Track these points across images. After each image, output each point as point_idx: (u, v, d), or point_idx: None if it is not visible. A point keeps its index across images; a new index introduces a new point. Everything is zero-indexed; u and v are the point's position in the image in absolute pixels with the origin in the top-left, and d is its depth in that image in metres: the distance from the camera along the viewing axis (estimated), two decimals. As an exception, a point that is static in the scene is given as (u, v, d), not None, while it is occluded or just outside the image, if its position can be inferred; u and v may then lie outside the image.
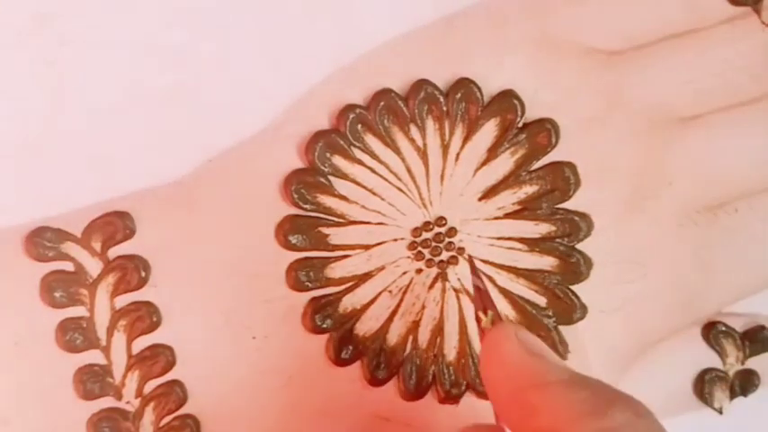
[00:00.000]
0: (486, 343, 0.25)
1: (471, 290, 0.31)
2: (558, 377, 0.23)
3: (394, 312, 0.31)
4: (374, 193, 0.31)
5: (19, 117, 0.28)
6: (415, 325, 0.31)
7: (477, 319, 0.26)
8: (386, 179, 0.31)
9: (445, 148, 0.31)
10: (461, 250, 0.31)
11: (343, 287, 0.31)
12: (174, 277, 0.30)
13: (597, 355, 0.33)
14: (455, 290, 0.32)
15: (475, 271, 0.28)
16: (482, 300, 0.27)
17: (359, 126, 0.30)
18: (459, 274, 0.32)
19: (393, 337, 0.31)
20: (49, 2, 0.28)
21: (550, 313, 0.32)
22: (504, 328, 0.24)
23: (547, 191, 0.32)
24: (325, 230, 0.31)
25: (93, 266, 0.29)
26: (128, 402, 0.30)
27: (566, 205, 0.32)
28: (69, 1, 0.28)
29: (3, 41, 0.28)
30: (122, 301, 0.30)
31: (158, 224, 0.30)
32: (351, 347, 0.31)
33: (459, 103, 0.31)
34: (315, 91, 0.30)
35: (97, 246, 0.29)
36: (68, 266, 0.29)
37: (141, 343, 0.30)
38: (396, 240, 0.31)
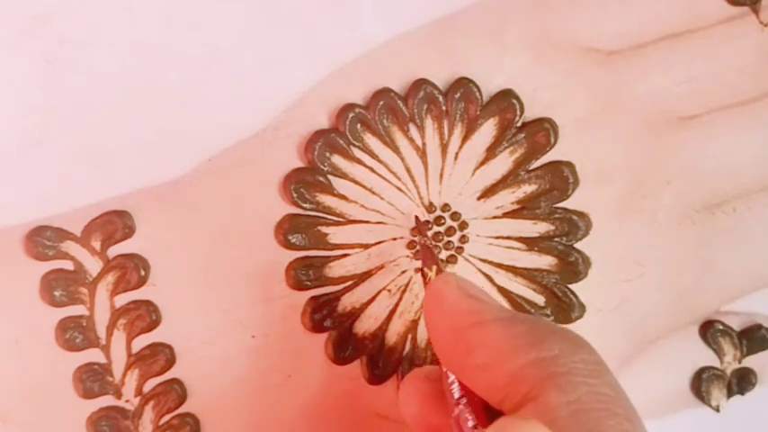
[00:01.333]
0: (428, 290, 0.25)
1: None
2: (496, 315, 0.23)
3: (393, 311, 0.31)
4: (373, 193, 0.31)
5: (19, 116, 0.28)
6: (414, 324, 0.32)
7: (423, 275, 0.27)
8: (385, 178, 0.31)
9: (444, 147, 0.31)
10: (460, 249, 0.32)
11: (342, 286, 0.31)
12: (174, 276, 0.30)
13: (595, 353, 0.33)
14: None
15: (421, 229, 0.30)
16: (428, 257, 0.28)
17: (358, 125, 0.30)
18: (459, 273, 0.32)
19: (392, 336, 0.31)
20: (49, 2, 0.28)
21: (549, 312, 0.32)
22: (444, 276, 0.25)
23: (545, 190, 0.32)
24: (325, 229, 0.31)
25: (93, 265, 0.29)
26: (127, 401, 0.30)
27: (564, 204, 0.32)
28: (69, 1, 0.28)
29: (3, 41, 0.28)
30: (122, 299, 0.30)
31: (158, 223, 0.30)
32: (350, 346, 0.31)
33: (458, 102, 0.31)
34: (314, 90, 0.30)
35: (97, 245, 0.29)
36: (68, 265, 0.29)
37: (141, 342, 0.30)
38: (395, 239, 0.31)
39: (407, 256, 0.31)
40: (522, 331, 0.22)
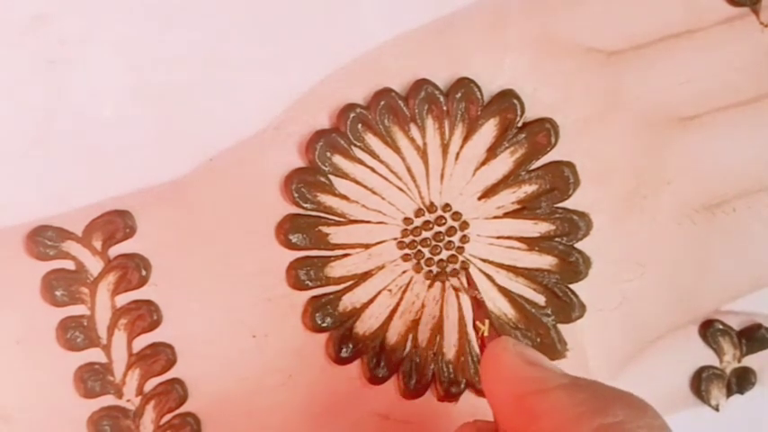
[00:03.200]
0: (486, 356, 0.25)
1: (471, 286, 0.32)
2: (558, 382, 0.23)
3: (394, 311, 0.31)
4: (374, 193, 0.31)
5: (19, 117, 0.28)
6: (415, 323, 0.32)
7: (476, 329, 0.27)
8: (386, 178, 0.31)
9: (445, 147, 0.31)
10: (461, 249, 0.32)
11: (343, 286, 0.31)
12: (175, 276, 0.30)
13: (596, 353, 0.33)
14: (454, 288, 0.32)
15: (472, 283, 0.30)
16: (479, 310, 0.28)
17: (359, 125, 0.30)
18: (459, 272, 0.32)
19: (393, 336, 0.31)
20: (49, 2, 0.28)
21: (549, 312, 0.32)
22: (501, 342, 0.25)
23: (546, 190, 0.32)
24: (326, 229, 0.31)
25: (94, 265, 0.29)
26: (128, 400, 0.30)
27: (565, 204, 0.32)
28: (69, 1, 0.28)
29: (3, 41, 0.28)
30: (123, 299, 0.30)
31: (159, 223, 0.30)
32: (351, 346, 0.31)
33: (459, 102, 0.31)
34: (315, 90, 0.30)
35: (98, 244, 0.29)
36: (69, 265, 0.29)
37: (142, 341, 0.30)
38: (395, 239, 0.31)
39: (402, 257, 0.31)
40: (585, 398, 0.22)
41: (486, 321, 0.27)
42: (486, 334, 0.27)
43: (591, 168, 0.32)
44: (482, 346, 0.27)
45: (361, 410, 0.32)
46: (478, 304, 0.29)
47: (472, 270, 0.32)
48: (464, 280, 0.31)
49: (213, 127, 0.30)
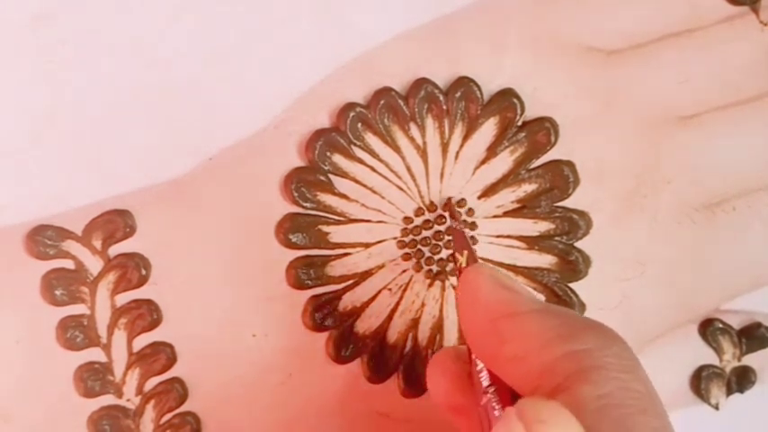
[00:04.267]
0: (462, 280, 0.25)
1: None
2: (530, 307, 0.23)
3: (394, 310, 0.31)
4: (374, 192, 0.31)
5: (19, 116, 0.28)
6: (415, 323, 0.32)
7: (454, 259, 0.27)
8: (386, 178, 0.31)
9: (445, 146, 0.31)
10: (461, 248, 0.32)
11: (343, 285, 0.31)
12: (175, 275, 0.30)
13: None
14: (455, 287, 0.32)
15: (454, 214, 0.29)
16: (460, 241, 0.28)
17: (359, 124, 0.30)
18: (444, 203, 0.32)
19: (393, 335, 0.31)
20: (49, 2, 0.28)
21: (549, 311, 0.32)
22: (478, 267, 0.25)
23: (546, 189, 0.32)
24: (326, 228, 0.31)
25: (94, 264, 0.29)
26: (128, 400, 0.30)
27: (565, 203, 0.32)
28: (69, 1, 0.28)
29: (3, 41, 0.28)
30: (123, 299, 0.30)
31: (159, 222, 0.30)
32: (351, 345, 0.31)
33: (458, 101, 0.31)
34: (315, 89, 0.30)
35: (98, 244, 0.29)
36: (69, 264, 0.29)
37: (142, 341, 0.30)
38: (395, 238, 0.31)
39: (402, 256, 0.31)
40: (555, 324, 0.22)
41: (465, 252, 0.27)
42: (464, 265, 0.26)
43: (591, 167, 0.32)
44: (459, 277, 0.26)
45: (362, 409, 0.32)
46: (458, 235, 0.28)
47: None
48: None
49: (213, 126, 0.30)
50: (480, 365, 0.24)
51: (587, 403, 0.20)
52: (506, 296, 0.23)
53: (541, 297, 0.32)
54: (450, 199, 0.31)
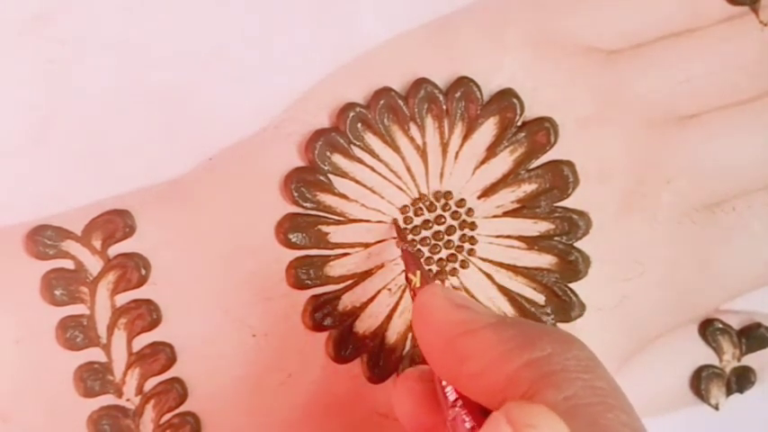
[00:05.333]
0: (416, 303, 0.25)
1: (471, 288, 0.32)
2: (485, 322, 0.23)
3: (393, 310, 0.31)
4: (374, 192, 0.31)
5: (19, 116, 0.28)
6: (415, 323, 0.32)
7: (408, 280, 0.27)
8: (386, 177, 0.31)
9: (444, 146, 0.31)
10: (460, 248, 0.32)
11: (342, 285, 0.31)
12: (175, 275, 0.30)
13: (595, 351, 0.33)
14: (454, 288, 0.32)
15: (401, 234, 0.29)
16: (411, 262, 0.28)
17: (359, 125, 0.30)
18: (459, 271, 0.32)
19: (392, 335, 0.31)
20: (49, 2, 0.28)
21: (549, 311, 0.32)
22: (430, 288, 0.25)
23: (546, 189, 0.32)
24: (325, 229, 0.31)
25: (94, 264, 0.29)
26: (128, 400, 0.30)
27: (564, 203, 0.32)
28: (69, 1, 0.28)
29: (3, 41, 0.28)
30: (123, 299, 0.30)
31: (158, 222, 0.30)
32: (350, 345, 0.31)
33: (458, 101, 0.31)
34: (315, 89, 0.30)
35: (97, 244, 0.29)
36: (69, 264, 0.29)
37: (141, 341, 0.30)
38: (395, 238, 0.31)
39: (400, 257, 0.31)
40: (512, 335, 0.22)
41: (418, 272, 0.27)
42: (417, 285, 0.27)
43: (591, 167, 0.32)
44: (414, 297, 0.27)
45: (361, 409, 0.32)
46: (409, 256, 0.28)
47: (471, 269, 0.32)
48: (393, 231, 0.31)
49: (213, 126, 0.30)
50: (444, 382, 0.24)
51: (556, 406, 0.20)
52: (461, 315, 0.24)
53: (541, 297, 0.32)
54: (395, 220, 0.31)
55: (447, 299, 0.24)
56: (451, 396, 0.23)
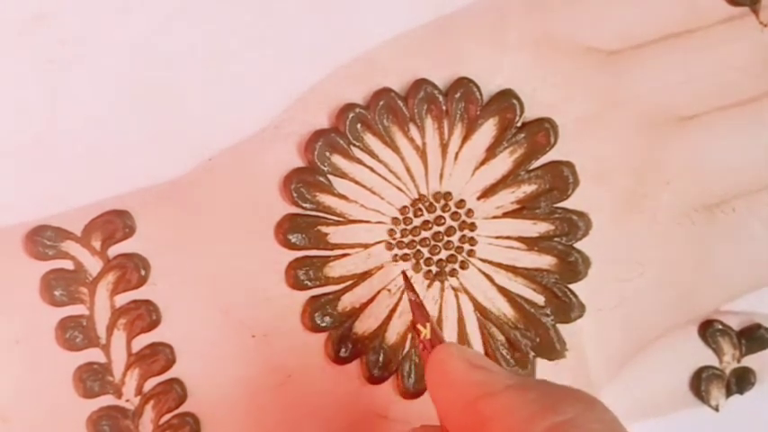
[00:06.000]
0: (431, 362, 0.25)
1: (471, 289, 0.32)
2: (506, 384, 0.23)
3: (393, 311, 0.31)
4: (373, 193, 0.31)
5: (19, 117, 0.28)
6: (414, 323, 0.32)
7: (417, 332, 0.27)
8: (385, 178, 0.31)
9: (444, 147, 0.31)
10: (460, 249, 0.32)
11: (342, 286, 0.31)
12: (174, 276, 0.30)
13: (595, 353, 0.33)
14: (453, 288, 0.32)
15: (409, 286, 0.29)
16: (419, 313, 0.28)
17: (358, 125, 0.30)
18: (458, 272, 0.32)
19: (392, 336, 0.31)
20: (49, 2, 0.28)
21: (549, 312, 0.32)
22: (446, 347, 0.25)
23: (545, 190, 0.32)
24: (325, 229, 0.31)
25: (93, 265, 0.29)
26: (127, 400, 0.30)
27: (564, 204, 0.32)
28: (69, 1, 0.28)
29: (3, 41, 0.28)
30: (122, 299, 0.30)
31: (158, 223, 0.30)
32: (350, 346, 0.31)
33: (458, 102, 0.31)
34: (314, 90, 0.30)
35: (97, 244, 0.29)
36: (68, 265, 0.29)
37: (141, 341, 0.30)
38: (394, 239, 0.31)
39: (402, 257, 0.31)
40: (534, 397, 0.22)
41: (428, 324, 0.27)
42: (427, 337, 0.26)
43: (590, 168, 0.32)
44: (423, 349, 0.26)
45: (361, 410, 0.32)
46: (417, 307, 0.28)
47: (471, 269, 0.32)
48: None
49: (212, 127, 0.30)
50: None
51: None
52: (480, 376, 0.23)
53: (541, 298, 0.32)
54: (404, 272, 0.31)
55: (464, 359, 0.24)
56: None
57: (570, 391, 0.22)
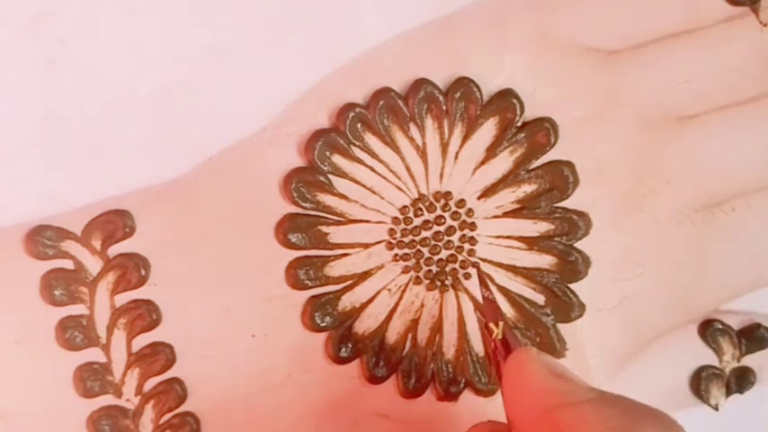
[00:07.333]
0: (510, 366, 0.25)
1: (471, 289, 0.32)
2: (586, 396, 0.23)
3: (393, 310, 0.31)
4: (374, 192, 0.31)
5: (19, 116, 0.28)
6: (414, 323, 0.32)
7: (489, 331, 0.26)
8: (385, 178, 0.31)
9: (444, 147, 0.31)
10: (460, 248, 0.32)
11: (342, 285, 0.31)
12: (174, 275, 0.30)
13: (595, 352, 0.33)
14: (454, 288, 0.32)
15: (484, 282, 0.28)
16: (491, 311, 0.27)
17: (358, 125, 0.30)
18: (459, 272, 0.32)
19: (392, 335, 0.31)
20: (49, 2, 0.28)
21: (549, 311, 0.32)
22: (526, 351, 0.24)
23: (546, 190, 0.32)
24: (325, 229, 0.31)
25: (93, 265, 0.29)
26: (128, 400, 0.30)
27: (564, 204, 0.32)
28: (69, 1, 0.28)
29: (3, 41, 0.28)
30: (122, 299, 0.30)
31: (158, 222, 0.30)
32: (350, 345, 0.31)
33: (458, 102, 0.31)
34: (315, 90, 0.30)
35: (97, 244, 0.29)
36: (68, 265, 0.29)
37: (141, 341, 0.30)
38: (395, 239, 0.31)
39: (402, 256, 0.31)
40: (614, 413, 0.22)
41: (501, 324, 0.26)
42: (499, 337, 0.26)
43: (590, 168, 0.32)
44: (495, 350, 0.26)
45: (361, 410, 0.32)
46: (490, 304, 0.27)
47: (471, 268, 0.32)
48: (475, 278, 0.31)
49: (212, 126, 0.30)
50: None
51: None
52: (560, 385, 0.23)
53: (541, 297, 0.32)
54: (478, 265, 0.31)
55: (544, 365, 0.24)
56: None
57: (651, 410, 0.22)
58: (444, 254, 0.32)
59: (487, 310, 0.27)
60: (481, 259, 0.32)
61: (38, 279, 0.29)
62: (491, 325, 0.26)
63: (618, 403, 0.22)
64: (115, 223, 0.29)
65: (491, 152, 0.31)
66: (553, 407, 0.23)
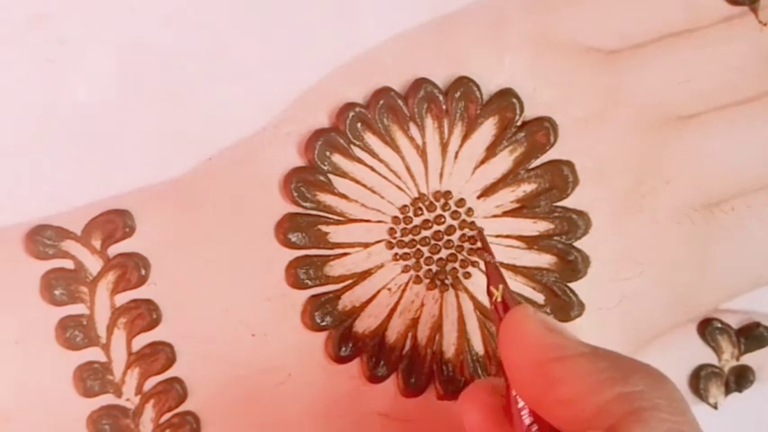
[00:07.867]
0: (506, 322, 0.25)
1: (471, 288, 0.32)
2: (579, 350, 0.23)
3: (393, 310, 0.31)
4: (374, 192, 0.31)
5: (19, 116, 0.28)
6: (414, 322, 0.32)
7: (490, 293, 0.27)
8: (385, 177, 0.31)
9: (444, 146, 0.31)
10: (460, 248, 0.32)
11: (342, 285, 0.31)
12: (174, 275, 0.30)
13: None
14: (454, 287, 0.32)
15: (486, 246, 0.29)
16: (494, 274, 0.28)
17: (358, 124, 0.30)
18: (459, 271, 0.32)
19: (392, 335, 0.31)
20: (49, 2, 0.28)
21: (548, 310, 0.32)
22: (522, 308, 0.25)
23: (545, 189, 0.32)
24: (325, 228, 0.31)
25: (93, 264, 0.29)
26: (128, 399, 0.30)
27: (564, 203, 0.32)
28: (69, 1, 0.28)
29: (3, 41, 0.28)
30: (122, 298, 0.30)
31: (158, 222, 0.30)
32: (350, 345, 0.31)
33: (458, 101, 0.31)
34: (314, 89, 0.30)
35: (97, 244, 0.29)
36: (68, 264, 0.29)
37: (141, 340, 0.30)
38: (395, 238, 0.31)
39: (402, 256, 0.31)
40: (605, 366, 0.22)
41: (501, 286, 0.27)
42: (499, 299, 0.27)
43: (590, 167, 0.32)
44: (495, 312, 0.27)
45: (361, 409, 0.32)
46: (492, 268, 0.28)
47: (471, 268, 0.32)
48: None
49: (212, 126, 0.30)
50: (522, 403, 0.24)
51: None
52: (554, 339, 0.24)
53: (540, 297, 0.32)
54: (480, 230, 0.31)
55: (540, 321, 0.24)
56: (527, 420, 0.24)
57: (641, 365, 0.23)
58: (444, 253, 0.32)
59: (490, 274, 0.28)
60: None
61: (38, 279, 0.29)
62: (492, 288, 0.27)
63: (610, 357, 0.23)
64: (115, 223, 0.29)
65: (491, 151, 0.31)
66: (547, 360, 0.23)
